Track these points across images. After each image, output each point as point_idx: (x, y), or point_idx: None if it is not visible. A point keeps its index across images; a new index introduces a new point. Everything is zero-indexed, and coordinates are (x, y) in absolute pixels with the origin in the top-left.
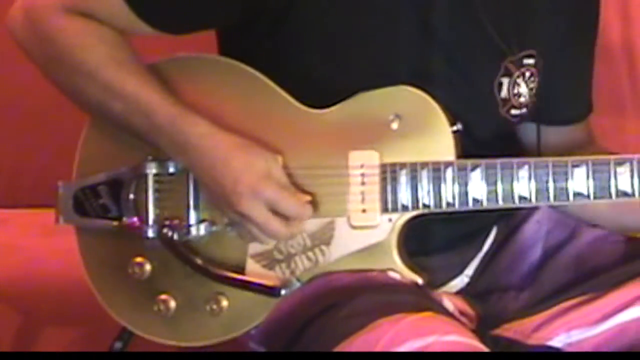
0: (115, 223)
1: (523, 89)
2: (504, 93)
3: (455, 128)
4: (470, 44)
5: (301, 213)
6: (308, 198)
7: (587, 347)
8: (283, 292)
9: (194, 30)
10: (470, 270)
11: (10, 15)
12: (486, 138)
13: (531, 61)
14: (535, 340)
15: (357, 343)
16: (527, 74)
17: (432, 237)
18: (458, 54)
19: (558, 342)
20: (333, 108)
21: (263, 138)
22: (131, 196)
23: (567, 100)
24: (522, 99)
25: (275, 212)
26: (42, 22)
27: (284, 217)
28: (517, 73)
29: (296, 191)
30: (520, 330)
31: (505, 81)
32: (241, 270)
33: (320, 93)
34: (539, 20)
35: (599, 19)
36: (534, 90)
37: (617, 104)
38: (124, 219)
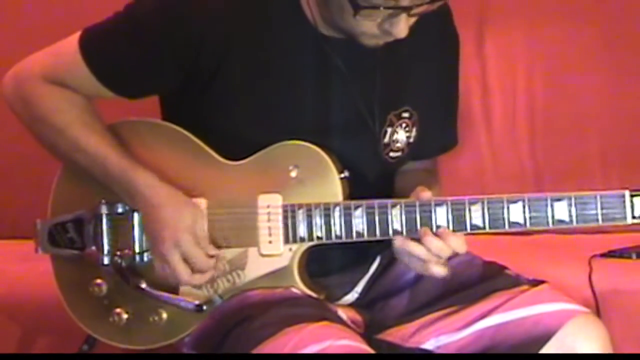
0: (79, 252)
1: (401, 136)
2: (386, 140)
3: (342, 175)
4: (355, 106)
5: (204, 268)
6: (216, 252)
7: (452, 349)
8: (205, 307)
9: (144, 94)
10: (359, 288)
11: (3, 82)
12: (372, 177)
13: (407, 114)
14: (411, 343)
15: (268, 348)
16: (404, 124)
17: (329, 262)
18: (350, 114)
19: (429, 345)
20: (246, 160)
21: (191, 185)
22: (91, 231)
23: (436, 140)
24: (398, 144)
25: (186, 261)
26: (26, 89)
27: (192, 267)
28: (397, 124)
29: (208, 245)
30: (399, 336)
31: (389, 130)
32: (176, 290)
33: (238, 147)
34: (411, 84)
35: (458, 69)
36: (410, 138)
37: (476, 162)
38: (86, 249)
